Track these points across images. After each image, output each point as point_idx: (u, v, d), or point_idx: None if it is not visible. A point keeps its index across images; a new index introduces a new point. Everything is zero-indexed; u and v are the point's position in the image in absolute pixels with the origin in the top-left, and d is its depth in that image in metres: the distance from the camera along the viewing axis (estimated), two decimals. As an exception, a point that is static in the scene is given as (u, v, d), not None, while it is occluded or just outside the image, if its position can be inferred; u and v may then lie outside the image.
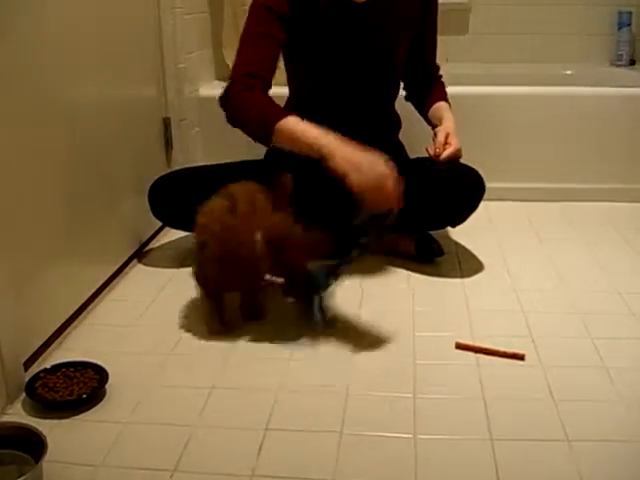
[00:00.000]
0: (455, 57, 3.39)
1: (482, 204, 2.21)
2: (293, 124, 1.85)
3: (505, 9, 3.40)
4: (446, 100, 2.35)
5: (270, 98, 1.98)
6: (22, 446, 1.34)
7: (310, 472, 1.31)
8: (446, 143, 2.12)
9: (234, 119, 1.99)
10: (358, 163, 1.73)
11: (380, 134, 2.25)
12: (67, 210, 1.85)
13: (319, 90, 2.25)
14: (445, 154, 2.10)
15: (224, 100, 2.00)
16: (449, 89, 2.39)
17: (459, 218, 2.20)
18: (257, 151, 2.38)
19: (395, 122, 2.37)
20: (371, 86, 2.24)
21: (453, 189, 2.11)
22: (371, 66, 2.20)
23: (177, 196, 2.19)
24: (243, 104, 1.97)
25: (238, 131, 2.37)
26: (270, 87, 2.03)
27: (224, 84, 2.24)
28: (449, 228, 2.37)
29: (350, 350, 1.73)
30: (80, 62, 1.89)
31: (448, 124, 2.19)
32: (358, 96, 2.23)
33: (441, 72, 2.43)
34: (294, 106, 2.25)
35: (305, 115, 1.90)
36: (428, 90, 2.38)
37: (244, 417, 1.48)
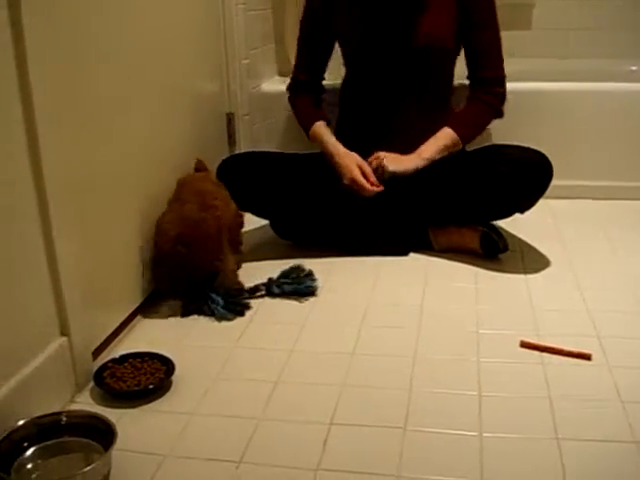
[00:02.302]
0: (519, 53, 3.36)
1: (546, 202, 2.19)
2: (318, 130, 2.36)
3: (569, 4, 3.36)
4: (456, 126, 2.25)
5: (308, 101, 2.43)
6: (91, 434, 1.36)
7: (374, 467, 1.31)
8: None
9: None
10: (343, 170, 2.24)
11: (431, 126, 2.27)
12: (136, 202, 1.89)
13: (361, 76, 2.35)
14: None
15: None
16: (514, 85, 2.34)
17: (528, 202, 2.18)
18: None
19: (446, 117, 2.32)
20: (408, 73, 2.27)
21: (522, 172, 2.11)
22: (405, 51, 2.24)
23: (244, 177, 2.24)
24: (293, 109, 2.48)
25: (299, 126, 2.47)
26: (317, 83, 2.45)
27: (286, 80, 2.40)
28: (515, 223, 2.34)
29: (413, 347, 1.73)
30: (148, 58, 1.92)
31: (404, 157, 2.21)
32: (397, 82, 2.28)
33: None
34: (347, 88, 2.43)
35: (353, 103, 2.39)
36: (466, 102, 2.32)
37: (309, 411, 1.48)
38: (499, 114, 2.31)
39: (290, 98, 2.49)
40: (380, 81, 2.30)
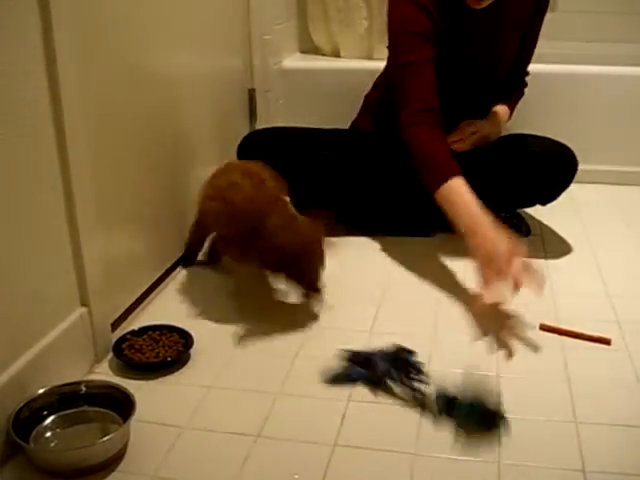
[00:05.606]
0: (543, 35, 3.32)
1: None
2: (456, 189, 1.82)
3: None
4: (510, 105, 2.30)
5: (442, 142, 1.94)
6: (109, 404, 1.37)
7: (392, 444, 1.31)
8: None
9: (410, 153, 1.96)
10: (491, 255, 1.67)
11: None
12: (152, 178, 1.88)
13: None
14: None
15: (403, 133, 1.97)
16: (538, 67, 2.33)
17: (551, 195, 2.17)
18: (341, 122, 2.38)
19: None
20: (480, 87, 2.19)
21: (546, 165, 2.10)
22: (483, 70, 2.15)
23: (265, 153, 2.18)
24: (417, 148, 1.93)
25: (321, 103, 2.41)
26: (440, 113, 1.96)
27: (307, 57, 2.33)
28: (536, 208, 2.33)
29: (432, 327, 1.73)
30: (169, 33, 1.91)
31: (484, 122, 2.18)
32: (467, 94, 2.17)
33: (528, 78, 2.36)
34: None
35: None
36: (506, 94, 2.30)
37: (327, 387, 1.49)
38: None
39: (412, 138, 1.95)
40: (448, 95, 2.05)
